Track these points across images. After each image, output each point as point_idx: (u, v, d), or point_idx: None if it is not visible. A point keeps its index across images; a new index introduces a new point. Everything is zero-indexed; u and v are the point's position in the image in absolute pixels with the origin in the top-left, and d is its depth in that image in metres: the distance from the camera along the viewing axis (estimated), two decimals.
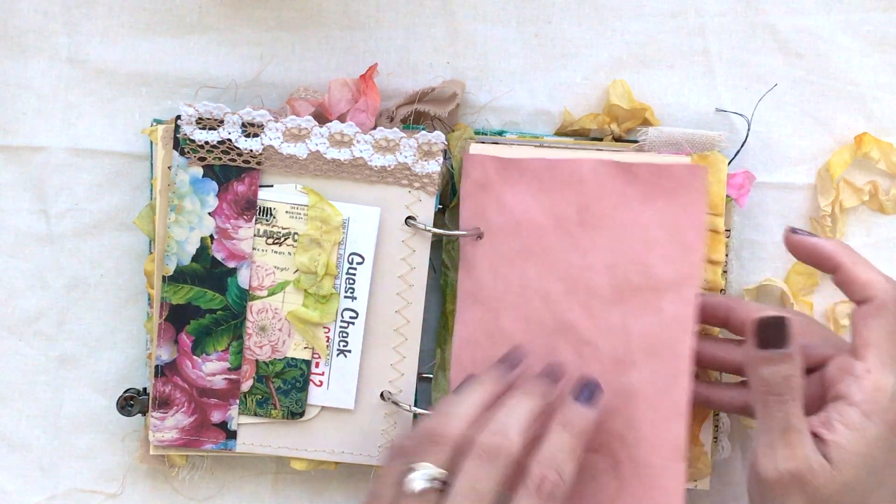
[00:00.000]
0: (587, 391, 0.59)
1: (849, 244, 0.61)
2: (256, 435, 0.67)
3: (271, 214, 0.65)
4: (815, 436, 0.55)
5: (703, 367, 0.65)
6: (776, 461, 0.54)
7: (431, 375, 0.67)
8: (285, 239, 0.65)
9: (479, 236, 0.65)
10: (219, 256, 0.65)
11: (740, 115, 0.68)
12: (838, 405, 0.55)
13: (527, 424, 0.56)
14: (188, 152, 0.64)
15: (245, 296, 0.65)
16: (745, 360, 0.57)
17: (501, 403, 0.57)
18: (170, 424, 0.66)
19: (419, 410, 0.65)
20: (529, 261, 0.64)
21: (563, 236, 0.64)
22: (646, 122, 0.67)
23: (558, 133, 0.68)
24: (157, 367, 0.65)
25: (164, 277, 0.65)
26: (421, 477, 0.53)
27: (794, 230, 0.61)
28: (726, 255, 0.66)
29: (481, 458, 0.54)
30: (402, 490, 0.53)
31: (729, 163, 0.67)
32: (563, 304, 0.64)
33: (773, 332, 0.55)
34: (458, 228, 0.66)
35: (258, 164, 0.65)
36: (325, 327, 0.66)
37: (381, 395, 0.66)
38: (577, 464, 0.56)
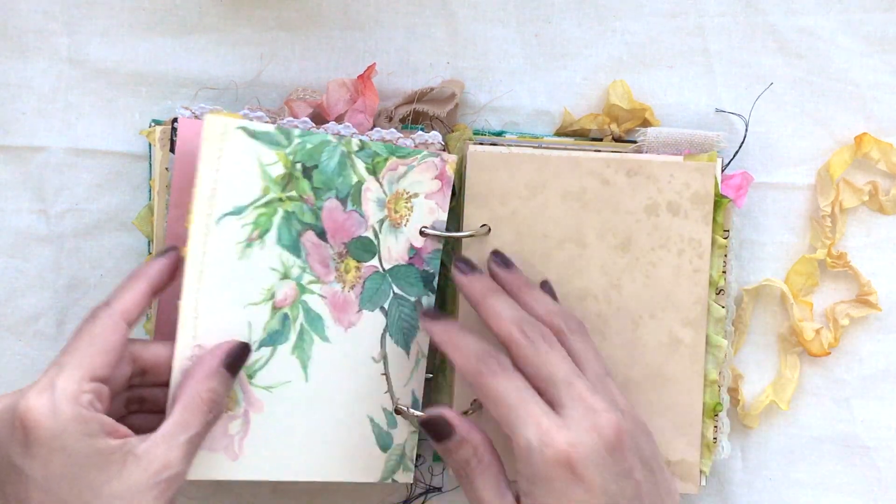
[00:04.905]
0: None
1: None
2: None
3: None
4: None
5: None
6: None
7: (430, 375, 0.67)
8: None
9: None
10: None
11: (739, 115, 0.68)
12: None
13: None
14: None
15: None
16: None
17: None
18: None
19: (420, 413, 0.65)
20: None
21: None
22: (645, 123, 0.67)
23: (558, 133, 0.68)
24: None
25: None
26: None
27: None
28: (725, 256, 0.66)
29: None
30: None
31: (728, 163, 0.67)
32: None
33: (435, 430, 0.57)
34: (458, 229, 0.66)
35: None
36: None
37: None
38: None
